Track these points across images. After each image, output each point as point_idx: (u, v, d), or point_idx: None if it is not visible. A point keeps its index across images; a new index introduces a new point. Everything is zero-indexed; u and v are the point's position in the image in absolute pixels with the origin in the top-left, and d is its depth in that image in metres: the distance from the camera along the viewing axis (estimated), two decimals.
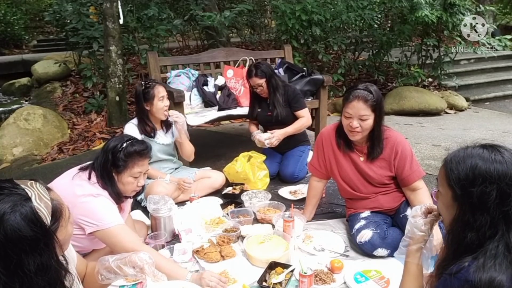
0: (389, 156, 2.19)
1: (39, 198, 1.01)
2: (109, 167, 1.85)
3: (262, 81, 3.11)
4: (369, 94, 2.05)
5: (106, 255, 1.40)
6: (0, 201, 0.96)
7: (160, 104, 2.73)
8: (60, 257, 1.06)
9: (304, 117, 3.22)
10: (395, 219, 2.31)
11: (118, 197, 1.90)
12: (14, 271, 0.93)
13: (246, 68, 3.95)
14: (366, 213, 2.28)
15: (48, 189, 1.07)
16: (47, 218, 1.00)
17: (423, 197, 2.12)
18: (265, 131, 3.44)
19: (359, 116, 2.06)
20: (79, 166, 1.91)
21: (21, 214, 0.95)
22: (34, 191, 1.01)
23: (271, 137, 3.10)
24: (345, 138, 2.23)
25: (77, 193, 1.77)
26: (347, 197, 2.41)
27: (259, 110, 3.31)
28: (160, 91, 2.73)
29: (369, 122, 2.08)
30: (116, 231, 1.79)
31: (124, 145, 1.86)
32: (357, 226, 2.21)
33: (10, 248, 0.92)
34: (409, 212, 2.15)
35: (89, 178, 1.85)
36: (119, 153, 1.84)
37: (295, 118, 3.22)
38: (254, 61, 4.04)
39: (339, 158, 2.31)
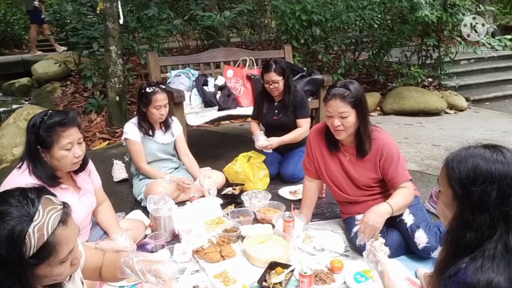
0: (374, 157, 2.17)
1: (39, 227, 0.93)
2: (33, 148, 1.73)
3: (279, 78, 3.04)
4: (346, 90, 2.04)
5: (128, 253, 1.38)
6: (15, 207, 0.92)
7: (155, 111, 2.72)
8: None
9: (303, 127, 3.18)
10: (392, 222, 2.28)
11: (50, 179, 1.77)
12: None
13: (247, 68, 3.95)
14: (361, 216, 2.25)
15: (63, 223, 0.99)
16: (30, 249, 0.92)
17: (398, 193, 2.08)
18: (266, 133, 3.43)
19: (339, 114, 2.05)
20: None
21: (10, 230, 0.90)
22: (44, 217, 0.95)
23: (268, 145, 3.07)
24: (332, 138, 2.22)
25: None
26: (339, 200, 2.40)
27: (265, 111, 3.26)
28: (158, 100, 2.68)
29: (351, 119, 2.07)
30: None
31: (44, 119, 1.72)
32: (355, 229, 2.19)
33: None
34: (405, 216, 2.14)
35: (20, 166, 1.75)
36: (39, 130, 1.70)
37: (296, 125, 3.20)
38: (254, 61, 4.04)
39: (326, 158, 2.31)
